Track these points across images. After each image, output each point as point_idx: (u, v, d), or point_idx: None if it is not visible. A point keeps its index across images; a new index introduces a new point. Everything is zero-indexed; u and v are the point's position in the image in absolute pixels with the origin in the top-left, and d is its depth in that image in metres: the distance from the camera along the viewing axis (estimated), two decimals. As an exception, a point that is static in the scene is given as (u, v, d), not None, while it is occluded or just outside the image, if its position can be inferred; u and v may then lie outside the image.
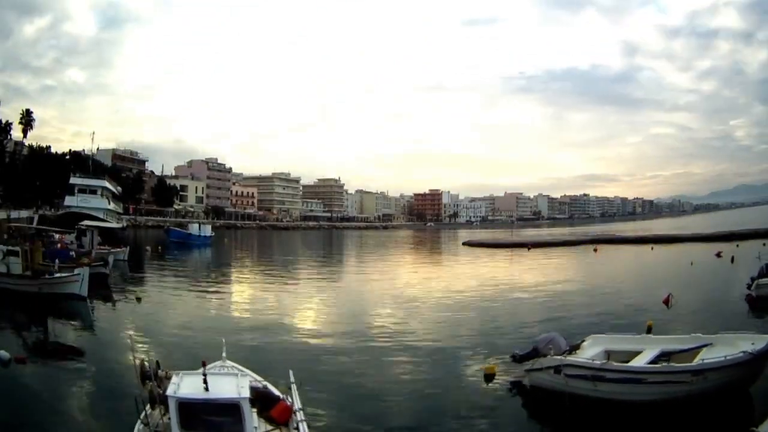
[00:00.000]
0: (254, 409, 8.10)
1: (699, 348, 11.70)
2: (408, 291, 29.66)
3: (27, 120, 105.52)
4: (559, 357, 11.85)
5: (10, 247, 24.62)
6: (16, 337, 17.54)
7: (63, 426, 10.45)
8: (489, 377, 13.23)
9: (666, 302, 22.74)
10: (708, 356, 10.96)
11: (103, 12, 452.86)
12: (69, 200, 61.50)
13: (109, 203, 64.81)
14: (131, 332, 15.68)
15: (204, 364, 8.40)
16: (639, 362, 11.48)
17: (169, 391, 7.69)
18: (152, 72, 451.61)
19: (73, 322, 20.41)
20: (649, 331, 17.53)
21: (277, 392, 9.46)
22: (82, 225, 40.82)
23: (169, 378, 8.60)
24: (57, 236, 37.06)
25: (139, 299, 24.34)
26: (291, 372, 10.40)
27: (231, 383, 8.10)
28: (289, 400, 9.14)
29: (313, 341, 17.20)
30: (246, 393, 7.81)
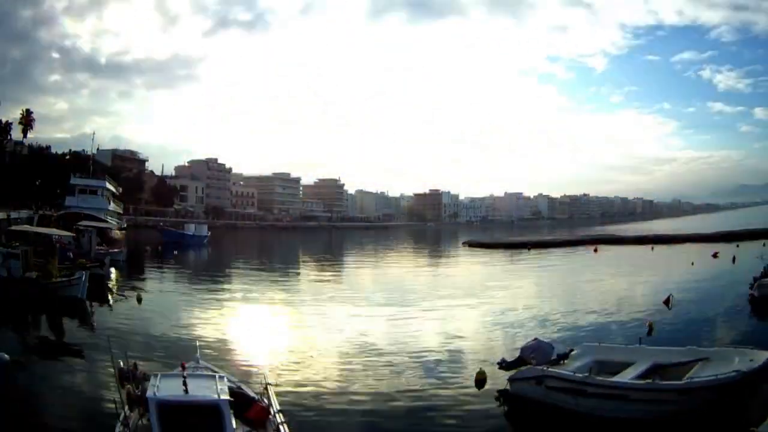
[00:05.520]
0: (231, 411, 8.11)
1: (694, 362, 11.11)
2: (406, 292, 29.65)
3: (27, 120, 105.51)
4: (540, 367, 11.32)
5: (10, 250, 24.54)
6: (16, 339, 17.52)
7: (45, 428, 10.39)
8: (480, 383, 12.89)
9: (666, 302, 22.74)
10: (701, 373, 10.43)
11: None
12: (69, 200, 61.45)
13: (110, 203, 64.77)
14: (109, 333, 15.20)
15: (183, 366, 8.42)
16: (628, 376, 10.83)
17: (149, 393, 7.70)
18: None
19: (72, 325, 20.38)
20: (650, 331, 17.52)
21: (252, 393, 9.46)
22: (80, 225, 40.67)
23: (147, 379, 8.62)
24: (56, 237, 36.99)
25: (139, 299, 24.29)
26: (267, 372, 10.49)
27: (211, 385, 8.13)
28: (265, 401, 9.12)
29: (303, 343, 17.14)
30: (226, 395, 7.86)
